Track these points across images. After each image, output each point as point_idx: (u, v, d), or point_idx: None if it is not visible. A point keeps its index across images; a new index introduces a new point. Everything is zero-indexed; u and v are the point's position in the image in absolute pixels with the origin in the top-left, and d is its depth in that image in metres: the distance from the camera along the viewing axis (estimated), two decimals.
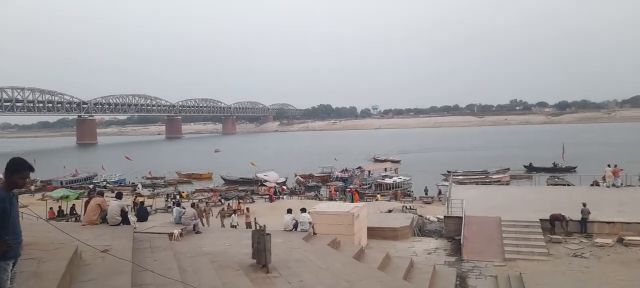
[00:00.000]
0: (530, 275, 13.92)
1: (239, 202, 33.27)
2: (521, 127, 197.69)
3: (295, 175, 55.48)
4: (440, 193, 38.56)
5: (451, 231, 20.28)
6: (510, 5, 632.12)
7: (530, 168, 56.05)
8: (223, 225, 23.76)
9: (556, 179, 42.43)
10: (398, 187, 44.88)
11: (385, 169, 55.62)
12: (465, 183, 39.01)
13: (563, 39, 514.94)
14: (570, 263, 15.67)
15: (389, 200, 37.33)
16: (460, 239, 18.32)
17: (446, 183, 37.20)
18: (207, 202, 31.19)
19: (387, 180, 47.01)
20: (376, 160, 71.77)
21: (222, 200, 35.15)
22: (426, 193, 40.30)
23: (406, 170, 60.21)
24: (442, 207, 26.34)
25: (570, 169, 52.75)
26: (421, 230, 22.57)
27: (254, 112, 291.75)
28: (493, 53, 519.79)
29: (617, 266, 15.05)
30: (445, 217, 21.52)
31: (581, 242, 17.75)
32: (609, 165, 29.48)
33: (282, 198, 40.07)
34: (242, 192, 42.04)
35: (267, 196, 39.04)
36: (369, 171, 55.07)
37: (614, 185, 27.84)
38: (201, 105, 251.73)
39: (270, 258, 9.66)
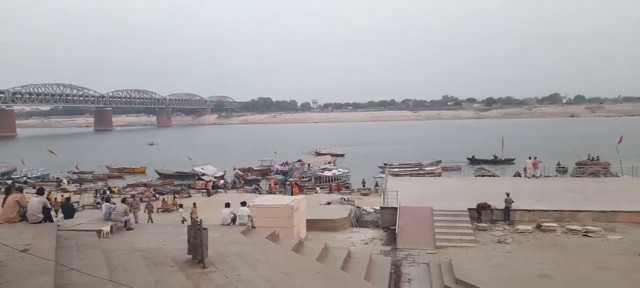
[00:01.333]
0: (459, 261, 14.75)
1: (175, 197, 32.20)
2: (452, 122, 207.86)
3: (234, 169, 54.62)
4: (377, 185, 39.65)
5: (387, 221, 20.97)
6: (443, 6, 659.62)
7: (473, 161, 59.19)
8: (150, 220, 22.86)
9: (483, 171, 45.09)
10: (337, 180, 45.61)
11: (331, 163, 56.26)
12: (400, 175, 40.45)
13: (490, 39, 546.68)
14: (494, 249, 16.77)
15: (328, 193, 37.83)
16: (395, 229, 19.00)
17: (383, 175, 38.34)
18: (134, 197, 29.82)
19: (327, 173, 47.61)
20: (318, 154, 72.25)
21: (157, 196, 33.84)
22: (364, 185, 41.28)
23: (348, 163, 61.34)
24: (379, 198, 27.11)
25: (510, 161, 56.10)
26: (359, 221, 23.12)
27: (191, 104, 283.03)
28: (427, 51, 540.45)
29: (535, 250, 16.33)
30: (381, 208, 22.19)
31: (504, 229, 19.05)
32: (529, 158, 31.83)
33: (220, 192, 39.33)
34: (178, 187, 40.72)
35: (205, 190, 38.15)
36: (309, 164, 55.44)
37: (533, 176, 30.09)
38: (134, 96, 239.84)
39: (207, 253, 9.46)
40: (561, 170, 45.42)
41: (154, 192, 35.75)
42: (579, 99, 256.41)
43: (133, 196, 30.62)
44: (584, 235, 17.95)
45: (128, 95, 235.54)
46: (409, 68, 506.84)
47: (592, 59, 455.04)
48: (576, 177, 37.25)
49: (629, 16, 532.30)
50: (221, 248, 10.70)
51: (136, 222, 22.55)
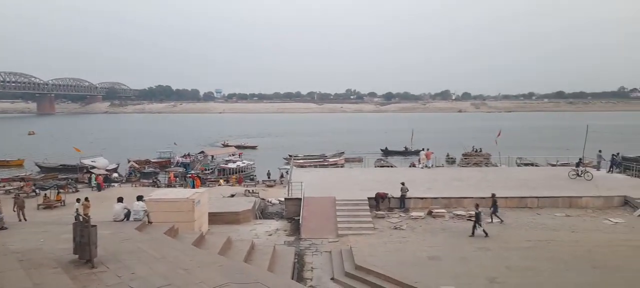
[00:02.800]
0: (358, 248, 15.38)
1: (59, 193, 29.12)
2: (355, 115, 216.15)
3: (129, 161, 51.05)
4: (282, 176, 39.79)
5: (291, 212, 21.15)
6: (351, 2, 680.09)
7: (387, 152, 61.77)
8: (21, 219, 20.38)
9: (382, 162, 47.53)
10: (241, 172, 44.91)
11: (236, 154, 54.97)
12: (305, 166, 41.07)
13: (388, 37, 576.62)
14: (391, 235, 17.76)
15: (231, 185, 37.09)
16: (299, 219, 19.23)
17: (288, 166, 38.59)
18: (18, 194, 26.51)
19: (231, 165, 46.63)
20: (226, 146, 69.99)
21: (38, 191, 30.34)
22: (269, 177, 41.19)
23: (254, 155, 60.60)
24: (284, 189, 27.24)
25: (418, 152, 59.30)
26: (263, 212, 23.00)
27: (78, 90, 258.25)
28: (329, 44, 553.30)
29: (427, 235, 17.62)
30: (286, 199, 22.32)
31: (400, 216, 20.27)
32: (423, 149, 34.26)
33: (114, 186, 36.51)
34: (64, 181, 36.93)
35: (96, 184, 35.11)
36: (212, 156, 53.81)
37: (426, 166, 32.46)
38: (8, 80, 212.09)
39: (96, 252, 8.68)
40: (450, 161, 49.64)
41: (33, 187, 32.00)
42: (466, 96, 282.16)
43: (17, 193, 27.18)
44: (468, 219, 19.74)
45: (1, 79, 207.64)
46: (314, 60, 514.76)
47: (479, 58, 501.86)
48: (462, 166, 41.00)
49: (502, 15, 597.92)
50: (113, 246, 9.91)
51: (24, 220, 20.18)
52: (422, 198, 21.68)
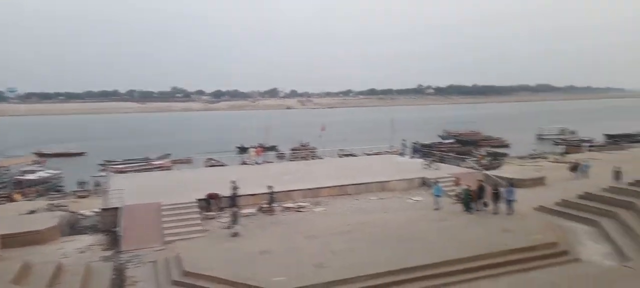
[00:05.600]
0: (188, 253, 14.63)
1: None
2: (184, 114, 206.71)
3: None
4: (98, 185, 35.55)
5: (108, 224, 18.96)
6: None
7: (242, 149, 59.23)
8: None
9: (212, 161, 46.40)
10: (44, 183, 38.65)
11: (38, 163, 46.65)
12: (126, 172, 37.45)
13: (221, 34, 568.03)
14: (223, 235, 17.38)
15: (31, 200, 31.58)
16: (118, 231, 17.37)
17: (104, 174, 34.62)
18: None
19: (30, 176, 39.72)
20: (40, 154, 57.97)
21: None
22: (81, 187, 36.40)
23: (67, 163, 52.65)
24: (100, 199, 24.31)
25: (273, 148, 58.55)
26: (74, 227, 20.12)
27: None
28: (152, 42, 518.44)
29: (258, 231, 17.76)
30: (102, 210, 19.94)
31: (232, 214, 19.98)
32: (253, 147, 34.56)
33: None
34: None
35: None
36: (5, 167, 44.97)
37: (256, 162, 32.85)
38: None
39: None
40: (280, 156, 51.35)
41: None
42: (293, 94, 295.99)
43: None
44: (297, 211, 20.64)
45: None
46: (133, 57, 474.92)
47: (304, 56, 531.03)
48: (291, 161, 42.78)
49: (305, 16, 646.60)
50: None
51: None
52: (253, 194, 21.74)
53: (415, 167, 28.39)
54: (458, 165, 29.20)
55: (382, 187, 24.22)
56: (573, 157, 36.21)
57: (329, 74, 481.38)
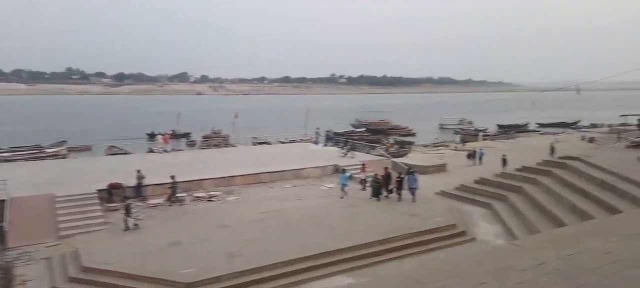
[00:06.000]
0: (86, 248, 13.53)
1: None
2: (80, 97, 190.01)
3: None
4: None
5: None
6: None
7: (152, 136, 54.67)
8: None
9: (115, 149, 43.32)
10: None
11: None
12: (13, 160, 33.55)
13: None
14: (127, 227, 16.29)
15: None
16: (3, 226, 15.53)
17: None
18: None
19: None
20: None
21: None
22: None
23: None
24: None
25: (187, 135, 54.88)
26: None
27: None
28: (42, 15, 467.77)
29: (167, 221, 16.97)
30: None
31: (137, 205, 18.83)
32: (160, 134, 32.77)
33: None
34: None
35: None
36: None
37: (165, 150, 31.26)
38: None
39: None
40: (190, 144, 49.34)
41: None
42: (204, 79, 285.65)
43: None
44: (208, 200, 20.03)
45: None
46: (19, 32, 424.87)
47: (217, 42, 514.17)
48: (203, 149, 41.37)
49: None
50: None
51: None
52: (160, 184, 20.66)
53: (329, 154, 28.98)
54: (368, 153, 30.36)
55: (296, 174, 24.41)
56: (470, 146, 39.40)
57: (242, 60, 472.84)
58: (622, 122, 45.58)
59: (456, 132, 60.16)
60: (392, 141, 46.01)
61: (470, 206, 19.50)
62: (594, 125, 62.76)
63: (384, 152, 31.85)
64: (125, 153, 38.59)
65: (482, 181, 22.01)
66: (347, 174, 21.54)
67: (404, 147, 43.39)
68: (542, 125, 68.65)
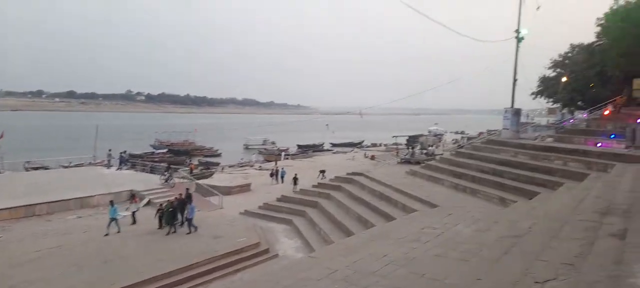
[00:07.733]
0: None
1: None
2: None
3: None
4: None
5: None
6: None
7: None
8: None
9: None
10: None
11: None
12: None
13: None
14: None
15: None
16: None
17: None
18: None
19: None
20: None
21: None
22: None
23: None
24: None
25: None
26: None
27: None
28: None
29: None
30: None
31: None
32: None
33: None
34: None
35: None
36: None
37: None
38: None
39: None
40: None
41: None
42: None
43: None
44: None
45: None
46: None
47: None
48: None
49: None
50: None
51: None
52: None
53: (123, 179, 26.36)
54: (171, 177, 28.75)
55: (82, 203, 21.41)
56: (272, 165, 41.16)
57: (12, 70, 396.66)
58: (394, 141, 54.22)
59: (260, 152, 62.21)
60: (196, 162, 44.70)
61: (273, 224, 20.21)
62: (374, 144, 73.22)
63: (188, 174, 30.66)
64: None
65: (283, 198, 23.14)
66: (116, 207, 17.99)
67: (208, 168, 42.64)
68: (335, 145, 76.71)
